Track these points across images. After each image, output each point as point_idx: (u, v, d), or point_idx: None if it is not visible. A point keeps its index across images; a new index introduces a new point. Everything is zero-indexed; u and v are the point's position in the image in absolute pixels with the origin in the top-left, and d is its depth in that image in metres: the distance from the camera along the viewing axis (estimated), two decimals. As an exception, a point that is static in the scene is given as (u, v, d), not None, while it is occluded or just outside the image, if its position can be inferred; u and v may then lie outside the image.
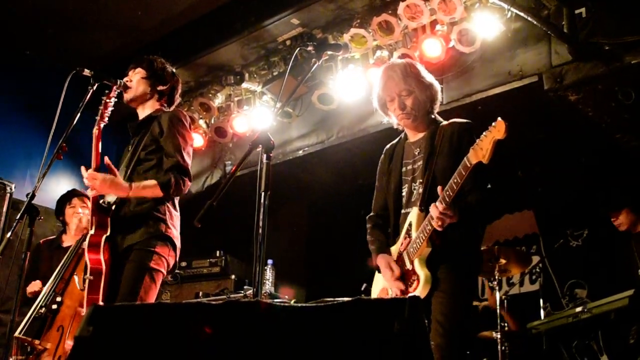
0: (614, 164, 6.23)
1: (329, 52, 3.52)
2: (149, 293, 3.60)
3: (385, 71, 3.49)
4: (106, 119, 3.79)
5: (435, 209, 3.05)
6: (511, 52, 5.43)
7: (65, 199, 5.53)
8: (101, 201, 3.72)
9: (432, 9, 5.30)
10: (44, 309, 4.16)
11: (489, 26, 5.18)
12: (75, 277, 3.71)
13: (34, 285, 4.91)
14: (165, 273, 3.74)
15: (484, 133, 2.98)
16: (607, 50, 4.90)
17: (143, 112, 4.03)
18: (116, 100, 3.91)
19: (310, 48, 3.52)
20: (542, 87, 5.23)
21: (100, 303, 3.51)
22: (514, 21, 5.22)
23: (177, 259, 3.84)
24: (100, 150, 3.74)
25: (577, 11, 5.01)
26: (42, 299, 4.28)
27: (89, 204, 4.12)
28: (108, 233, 3.63)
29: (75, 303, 4.45)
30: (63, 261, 4.49)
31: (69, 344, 4.16)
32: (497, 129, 2.92)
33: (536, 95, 5.33)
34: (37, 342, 4.12)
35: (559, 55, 5.16)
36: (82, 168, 3.67)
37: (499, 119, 2.95)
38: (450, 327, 3.06)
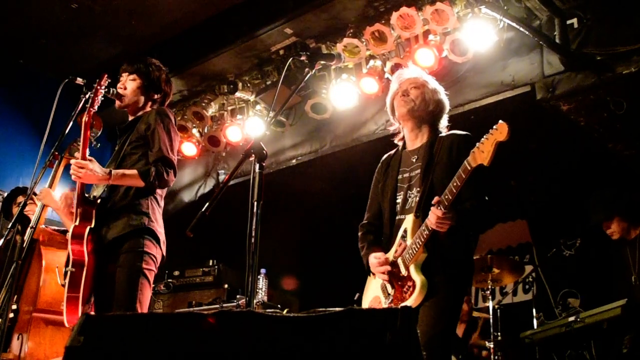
0: (607, 174, 6.25)
1: (322, 62, 3.53)
2: (145, 293, 3.60)
3: (403, 69, 3.71)
4: (96, 106, 3.72)
5: (434, 214, 3.06)
6: (504, 62, 5.46)
7: (11, 199, 5.37)
8: (87, 194, 3.70)
9: (424, 19, 5.31)
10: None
11: (481, 36, 5.20)
12: (57, 270, 3.62)
13: None
14: (156, 270, 3.72)
15: (484, 136, 2.99)
16: (598, 60, 4.93)
17: (134, 115, 4.01)
18: (106, 90, 3.86)
19: (303, 57, 3.51)
20: (535, 97, 5.25)
21: (80, 296, 3.44)
22: (507, 31, 5.24)
23: (164, 253, 3.81)
24: (89, 140, 3.68)
25: (568, 22, 5.04)
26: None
27: (37, 200, 4.08)
28: (92, 225, 3.59)
29: (31, 307, 4.39)
30: (12, 268, 4.42)
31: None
32: (500, 131, 2.94)
33: (528, 105, 5.35)
34: None
35: (551, 65, 5.19)
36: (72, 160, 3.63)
37: (501, 121, 2.97)
38: (433, 337, 3.03)
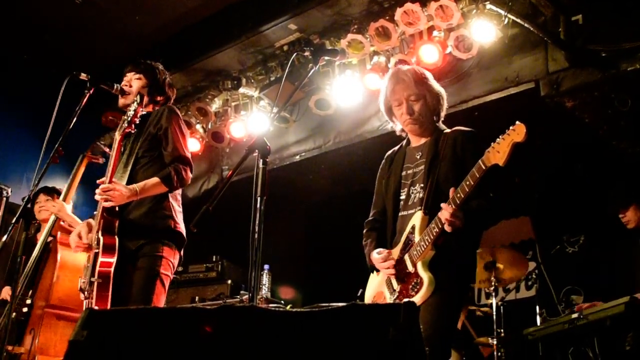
0: (610, 170, 6.24)
1: (326, 58, 3.52)
2: (160, 298, 3.63)
3: (394, 74, 3.47)
4: (133, 126, 3.66)
5: (446, 212, 3.04)
6: (508, 59, 5.45)
7: (34, 199, 5.36)
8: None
9: (429, 15, 5.31)
10: (14, 313, 4.06)
11: (486, 32, 5.19)
12: (80, 280, 3.65)
13: (6, 291, 4.86)
14: (171, 276, 3.75)
15: (501, 136, 2.96)
16: (603, 57, 4.92)
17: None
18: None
19: (307, 53, 3.52)
20: (539, 94, 5.24)
21: (109, 300, 3.48)
22: (511, 28, 5.24)
23: (182, 254, 3.82)
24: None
25: (573, 18, 5.03)
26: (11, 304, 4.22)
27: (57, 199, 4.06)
28: (117, 236, 3.58)
29: (44, 303, 4.39)
30: (29, 263, 4.43)
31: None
32: (517, 132, 2.91)
33: (533, 102, 5.34)
34: (10, 347, 4.07)
35: (555, 61, 5.17)
36: (99, 181, 3.59)
37: (518, 122, 2.94)
38: (434, 333, 3.01)
